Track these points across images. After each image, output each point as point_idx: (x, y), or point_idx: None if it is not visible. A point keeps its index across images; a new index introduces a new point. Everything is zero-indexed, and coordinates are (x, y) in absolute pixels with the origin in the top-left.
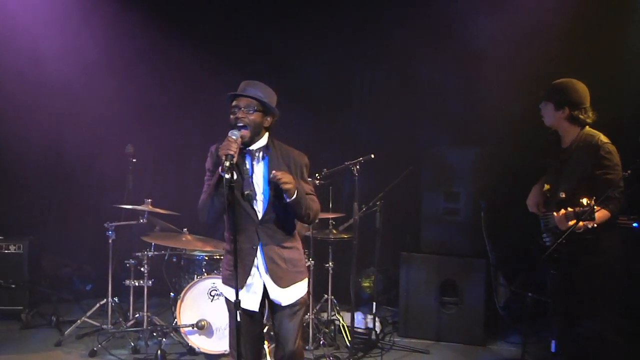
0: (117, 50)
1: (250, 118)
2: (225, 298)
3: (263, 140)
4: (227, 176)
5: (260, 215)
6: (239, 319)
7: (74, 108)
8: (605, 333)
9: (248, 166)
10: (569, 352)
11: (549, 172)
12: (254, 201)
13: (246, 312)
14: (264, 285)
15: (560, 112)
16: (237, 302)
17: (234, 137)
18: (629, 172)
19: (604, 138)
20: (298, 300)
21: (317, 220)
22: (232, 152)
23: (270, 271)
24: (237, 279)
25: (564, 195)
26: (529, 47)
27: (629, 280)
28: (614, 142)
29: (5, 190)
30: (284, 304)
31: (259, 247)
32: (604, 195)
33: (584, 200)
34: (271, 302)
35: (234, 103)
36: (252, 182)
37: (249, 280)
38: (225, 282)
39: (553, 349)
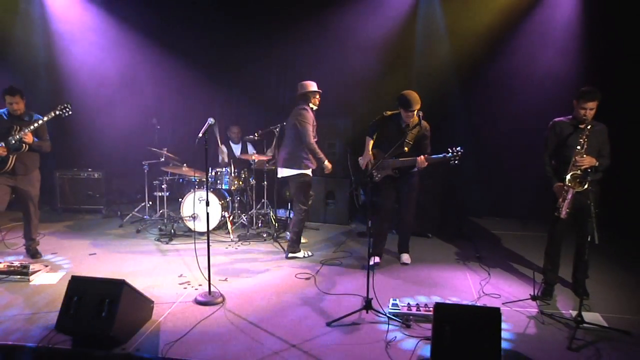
0: (148, 60)
1: None
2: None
3: None
4: None
5: None
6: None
7: (124, 96)
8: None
9: None
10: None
11: (386, 135)
12: None
13: None
14: None
15: (418, 112)
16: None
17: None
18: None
19: (426, 122)
20: None
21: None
22: None
23: None
24: None
25: (407, 149)
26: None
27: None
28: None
29: (89, 142)
30: None
31: None
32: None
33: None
34: None
35: None
36: None
37: None
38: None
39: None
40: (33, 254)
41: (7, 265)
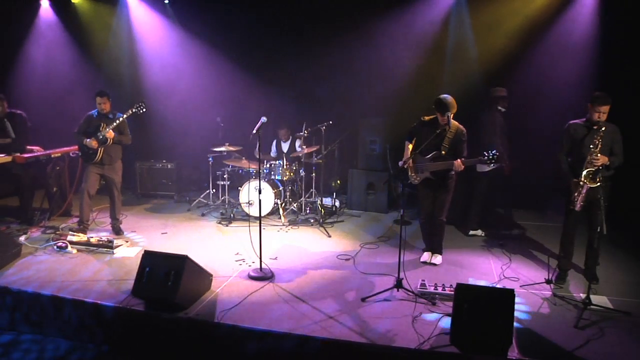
0: (213, 67)
1: None
2: None
3: None
4: None
5: None
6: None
7: (194, 99)
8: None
9: None
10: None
11: (423, 140)
12: None
13: None
14: None
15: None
16: None
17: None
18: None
19: (462, 126)
20: None
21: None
22: None
23: None
24: None
25: (444, 153)
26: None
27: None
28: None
29: (164, 137)
30: None
31: None
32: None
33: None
34: None
35: None
36: None
37: None
38: None
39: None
40: (117, 231)
41: (97, 240)
